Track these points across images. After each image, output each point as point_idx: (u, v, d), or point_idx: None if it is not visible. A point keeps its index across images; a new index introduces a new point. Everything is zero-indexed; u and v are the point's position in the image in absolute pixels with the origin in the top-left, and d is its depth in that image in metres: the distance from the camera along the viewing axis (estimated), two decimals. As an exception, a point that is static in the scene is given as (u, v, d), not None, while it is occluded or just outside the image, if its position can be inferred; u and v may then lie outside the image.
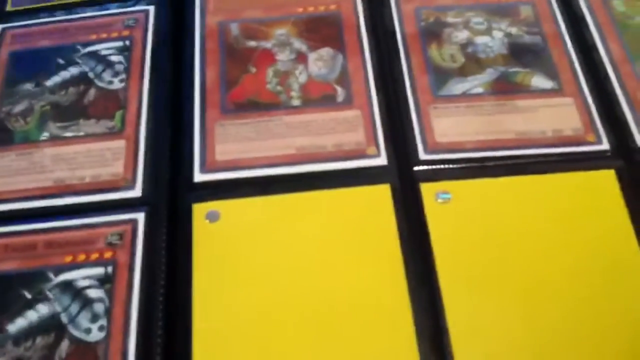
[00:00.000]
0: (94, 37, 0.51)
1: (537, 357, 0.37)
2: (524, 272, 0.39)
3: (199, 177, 0.43)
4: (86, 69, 0.49)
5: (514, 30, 0.50)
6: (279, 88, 0.47)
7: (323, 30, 0.50)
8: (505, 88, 0.46)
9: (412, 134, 0.44)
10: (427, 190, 0.41)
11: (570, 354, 0.37)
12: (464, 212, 0.41)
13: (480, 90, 0.46)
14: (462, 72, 0.47)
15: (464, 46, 0.49)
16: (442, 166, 0.43)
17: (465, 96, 0.46)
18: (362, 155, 0.44)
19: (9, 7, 0.55)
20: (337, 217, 0.41)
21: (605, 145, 0.44)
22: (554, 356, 0.37)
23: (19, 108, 0.47)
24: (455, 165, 0.43)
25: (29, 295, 0.39)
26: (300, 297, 0.39)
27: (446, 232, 0.40)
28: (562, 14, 0.51)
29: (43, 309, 0.38)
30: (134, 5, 0.53)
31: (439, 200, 0.41)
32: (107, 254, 0.40)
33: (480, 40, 0.49)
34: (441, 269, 0.39)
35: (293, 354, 0.37)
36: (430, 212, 0.41)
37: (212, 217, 0.41)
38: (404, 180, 0.42)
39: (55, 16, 0.53)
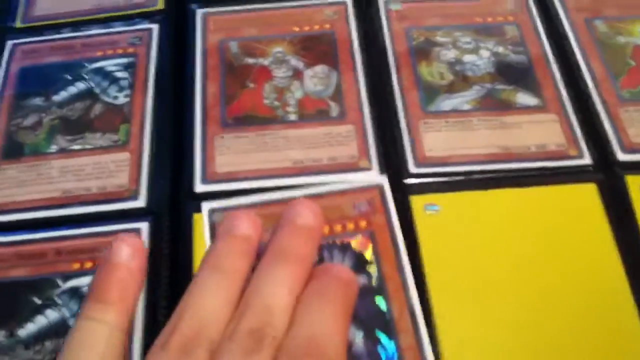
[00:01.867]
0: (99, 54, 0.54)
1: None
2: (511, 281, 0.41)
3: (200, 187, 0.45)
4: (92, 84, 0.52)
5: (500, 49, 0.52)
6: (276, 103, 0.49)
7: (318, 49, 0.53)
8: (492, 104, 0.49)
9: (402, 148, 0.47)
10: (417, 202, 0.44)
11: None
12: (451, 223, 0.43)
13: (467, 106, 0.49)
14: (450, 89, 0.50)
15: (452, 64, 0.51)
16: (431, 179, 0.45)
17: (453, 112, 0.48)
18: (354, 168, 0.46)
19: (18, 24, 0.57)
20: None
21: (587, 160, 0.46)
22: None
23: (28, 122, 0.50)
24: (443, 179, 0.45)
25: (38, 301, 0.41)
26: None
27: (435, 243, 0.42)
28: (547, 34, 0.53)
29: (52, 315, 0.40)
30: (137, 23, 0.56)
31: (428, 212, 0.43)
32: (113, 262, 0.42)
33: (468, 58, 0.52)
34: (431, 278, 0.41)
35: None
36: (420, 224, 0.43)
37: (213, 226, 0.44)
38: (395, 192, 0.44)
39: (62, 33, 0.56)
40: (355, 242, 0.42)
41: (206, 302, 0.32)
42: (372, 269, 0.41)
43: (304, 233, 0.35)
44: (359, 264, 0.41)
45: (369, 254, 0.41)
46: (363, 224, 0.43)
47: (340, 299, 0.32)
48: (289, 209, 0.37)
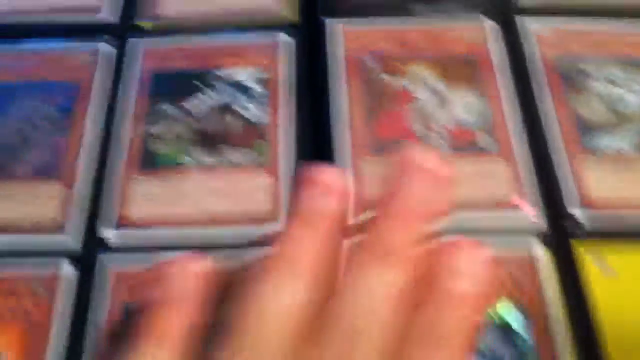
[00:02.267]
0: (232, 63, 0.52)
1: None
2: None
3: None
4: (224, 95, 0.50)
5: (654, 85, 0.49)
6: (423, 131, 0.47)
7: (460, 72, 0.50)
8: (655, 146, 0.46)
9: (560, 187, 0.44)
10: (586, 251, 0.41)
11: None
12: (628, 285, 0.40)
13: (628, 146, 0.45)
14: (608, 126, 0.47)
15: (606, 98, 0.48)
16: (595, 224, 0.42)
17: (615, 152, 0.45)
18: (509, 206, 0.43)
19: (144, 24, 0.55)
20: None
21: None
22: None
23: (160, 129, 0.48)
24: (611, 225, 0.42)
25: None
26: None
27: (604, 294, 0.39)
28: None
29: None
30: (270, 35, 0.53)
31: (596, 265, 0.40)
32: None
33: (622, 94, 0.49)
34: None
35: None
36: (591, 280, 0.40)
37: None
38: (555, 235, 0.42)
39: (191, 39, 0.54)
40: (502, 309, 0.39)
41: None
42: (520, 341, 0.38)
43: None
44: (506, 333, 0.38)
45: (517, 324, 0.39)
46: (513, 291, 0.40)
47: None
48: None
